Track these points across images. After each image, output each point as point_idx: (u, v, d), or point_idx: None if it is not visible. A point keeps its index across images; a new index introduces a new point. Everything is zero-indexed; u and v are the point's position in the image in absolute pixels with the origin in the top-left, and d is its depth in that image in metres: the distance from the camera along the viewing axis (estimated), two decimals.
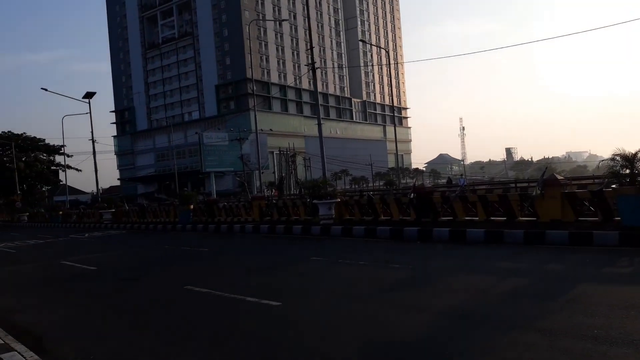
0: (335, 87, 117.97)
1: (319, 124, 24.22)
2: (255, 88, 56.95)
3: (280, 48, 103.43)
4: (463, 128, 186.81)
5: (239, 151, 66.57)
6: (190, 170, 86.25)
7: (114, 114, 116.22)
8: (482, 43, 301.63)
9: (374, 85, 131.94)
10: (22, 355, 5.16)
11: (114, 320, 6.97)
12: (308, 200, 18.31)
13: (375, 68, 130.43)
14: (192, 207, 24.37)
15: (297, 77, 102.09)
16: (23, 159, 59.58)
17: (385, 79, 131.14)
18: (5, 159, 60.32)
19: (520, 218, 12.47)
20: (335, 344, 5.06)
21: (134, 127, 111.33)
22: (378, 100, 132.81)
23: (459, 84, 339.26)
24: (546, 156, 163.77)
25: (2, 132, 62.90)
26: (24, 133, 64.77)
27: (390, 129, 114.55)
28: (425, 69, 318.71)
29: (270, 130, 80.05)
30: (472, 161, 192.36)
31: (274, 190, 60.16)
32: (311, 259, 11.23)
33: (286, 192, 59.61)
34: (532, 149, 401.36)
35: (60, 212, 39.95)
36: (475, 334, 5.03)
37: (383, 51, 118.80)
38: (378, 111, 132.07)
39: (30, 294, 9.65)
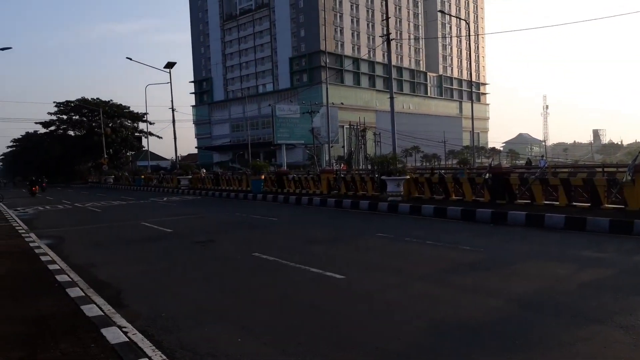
0: (410, 60, 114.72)
1: (391, 98, 23.63)
2: (328, 61, 56.43)
3: (355, 20, 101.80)
4: (546, 107, 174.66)
5: (309, 124, 66.90)
6: (263, 141, 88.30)
7: (192, 84, 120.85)
8: (569, 14, 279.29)
9: (451, 59, 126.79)
10: (100, 308, 5.53)
11: (186, 280, 7.30)
12: (376, 176, 18.09)
13: (454, 40, 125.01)
14: (263, 177, 24.98)
15: (371, 50, 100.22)
16: (110, 124, 63.70)
17: (464, 52, 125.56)
18: (93, 124, 64.86)
19: (606, 205, 11.56)
20: (399, 322, 4.97)
21: (211, 98, 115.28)
22: (455, 74, 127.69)
23: (544, 59, 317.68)
24: (638, 140, 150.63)
25: (91, 98, 67.32)
26: (111, 100, 68.93)
27: (466, 105, 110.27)
28: (507, 42, 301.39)
29: (341, 104, 79.70)
30: (555, 142, 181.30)
31: (342, 165, 60.22)
32: (377, 235, 11.13)
33: (355, 167, 59.45)
34: (622, 132, 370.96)
35: (143, 176, 42.73)
36: (548, 324, 4.72)
37: (463, 23, 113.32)
38: (455, 86, 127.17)
39: (112, 251, 10.36)
